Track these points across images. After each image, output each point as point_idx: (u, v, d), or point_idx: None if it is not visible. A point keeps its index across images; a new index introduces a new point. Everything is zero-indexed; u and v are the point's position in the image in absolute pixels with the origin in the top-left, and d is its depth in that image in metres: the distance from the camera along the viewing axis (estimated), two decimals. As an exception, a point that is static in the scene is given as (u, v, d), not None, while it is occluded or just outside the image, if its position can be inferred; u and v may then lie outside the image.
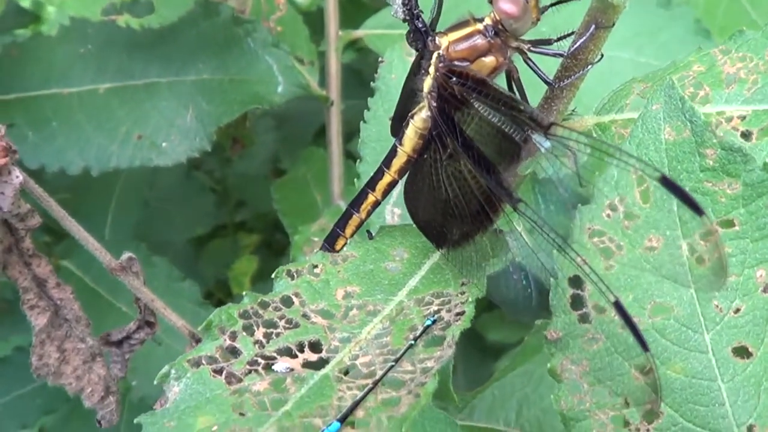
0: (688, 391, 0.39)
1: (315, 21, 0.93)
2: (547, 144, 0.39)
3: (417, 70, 0.45)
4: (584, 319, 0.40)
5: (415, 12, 0.44)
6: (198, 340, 0.60)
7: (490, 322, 1.05)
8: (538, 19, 0.42)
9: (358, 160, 0.62)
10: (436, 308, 0.41)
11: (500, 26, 0.43)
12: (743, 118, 0.41)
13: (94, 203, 1.05)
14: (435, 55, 0.44)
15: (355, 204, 0.49)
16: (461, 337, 0.40)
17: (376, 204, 0.49)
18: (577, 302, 0.40)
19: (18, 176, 0.48)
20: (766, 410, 0.39)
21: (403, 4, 0.44)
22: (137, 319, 0.61)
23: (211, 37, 0.81)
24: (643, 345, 0.36)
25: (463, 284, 0.42)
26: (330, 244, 0.49)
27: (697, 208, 0.35)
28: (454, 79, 0.43)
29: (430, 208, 0.45)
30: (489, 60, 0.44)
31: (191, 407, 0.37)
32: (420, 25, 0.45)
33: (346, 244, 0.48)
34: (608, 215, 0.40)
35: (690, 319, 0.39)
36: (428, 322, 0.40)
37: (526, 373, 0.70)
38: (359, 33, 0.87)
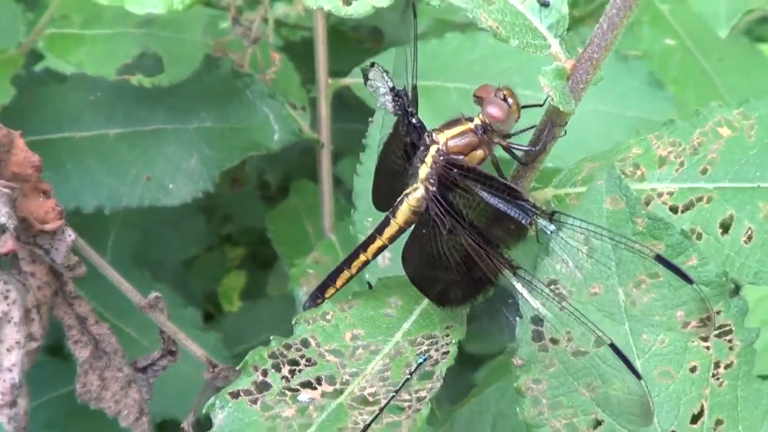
0: (625, 405, 0.46)
1: (304, 58, 1.02)
2: (552, 227, 0.46)
3: (402, 155, 0.54)
4: (543, 348, 0.49)
5: (409, 110, 0.52)
6: (214, 366, 0.69)
7: (469, 334, 1.13)
8: (519, 117, 0.51)
9: (353, 210, 0.71)
10: (426, 348, 0.50)
11: (489, 127, 0.51)
12: (671, 194, 0.51)
13: (96, 227, 1.11)
14: (434, 148, 0.51)
15: (348, 262, 0.56)
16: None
17: (366, 263, 0.56)
18: (536, 336, 0.49)
19: (71, 235, 0.57)
20: (684, 419, 0.47)
21: (393, 100, 0.53)
22: (161, 348, 0.69)
23: (212, 88, 0.87)
24: (636, 375, 0.44)
25: (447, 327, 0.52)
26: (321, 292, 0.56)
27: (688, 279, 0.44)
28: (455, 171, 0.50)
29: (432, 275, 0.52)
30: (479, 153, 0.51)
31: (234, 430, 0.46)
32: (415, 122, 0.52)
33: (335, 293, 0.55)
34: (561, 269, 0.49)
35: (625, 349, 0.46)
36: (420, 360, 0.49)
37: (499, 389, 0.75)
38: (347, 81, 0.94)
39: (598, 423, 0.47)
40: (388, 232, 0.54)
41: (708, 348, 0.48)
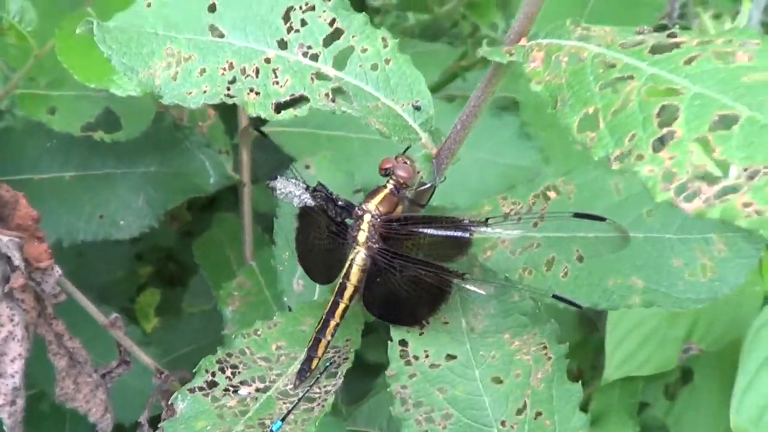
0: (468, 403, 0.60)
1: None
2: (488, 229, 0.60)
3: (329, 235, 0.66)
4: (408, 363, 0.61)
5: (333, 197, 0.64)
6: (161, 373, 0.86)
7: (370, 344, 1.27)
8: (419, 171, 0.64)
9: (274, 245, 0.87)
10: (331, 355, 0.66)
11: (402, 186, 0.64)
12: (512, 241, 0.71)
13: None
14: (367, 217, 0.63)
15: (322, 330, 0.64)
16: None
17: (337, 326, 0.64)
18: (403, 354, 0.62)
19: (58, 271, 0.73)
20: (512, 412, 0.59)
21: (312, 196, 0.64)
22: (118, 359, 0.85)
23: (156, 139, 1.00)
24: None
25: (347, 340, 0.67)
26: (307, 365, 0.63)
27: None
28: (395, 224, 0.62)
29: (397, 308, 0.63)
30: (399, 208, 0.64)
31: (192, 417, 0.60)
32: (342, 203, 0.64)
33: (319, 363, 0.63)
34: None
35: (467, 362, 0.61)
36: (327, 364, 0.65)
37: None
38: (265, 130, 1.10)
39: (450, 416, 0.60)
40: (347, 294, 0.64)
41: (529, 360, 0.61)
